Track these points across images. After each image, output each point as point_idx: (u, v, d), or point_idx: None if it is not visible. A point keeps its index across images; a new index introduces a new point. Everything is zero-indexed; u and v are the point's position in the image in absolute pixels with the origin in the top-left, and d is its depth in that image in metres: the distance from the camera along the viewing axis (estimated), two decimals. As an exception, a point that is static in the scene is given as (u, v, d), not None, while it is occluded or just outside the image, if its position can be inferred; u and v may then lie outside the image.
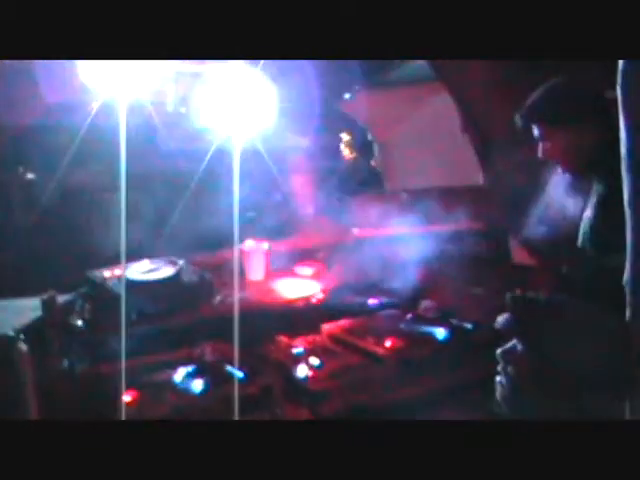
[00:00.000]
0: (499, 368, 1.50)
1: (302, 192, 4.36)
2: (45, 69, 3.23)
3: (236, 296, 2.69)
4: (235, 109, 2.92)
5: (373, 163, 4.86)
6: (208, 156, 3.17)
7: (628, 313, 1.33)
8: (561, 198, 2.62)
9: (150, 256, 3.24)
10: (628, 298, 1.33)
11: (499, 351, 1.50)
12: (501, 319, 1.49)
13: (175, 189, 3.99)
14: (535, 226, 2.91)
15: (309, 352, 3.01)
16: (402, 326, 3.26)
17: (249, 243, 3.63)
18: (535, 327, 1.44)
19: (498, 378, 1.51)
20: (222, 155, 3.53)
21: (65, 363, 2.69)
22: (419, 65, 3.99)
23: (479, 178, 3.59)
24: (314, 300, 3.43)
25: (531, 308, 1.45)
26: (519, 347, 1.47)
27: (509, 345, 1.49)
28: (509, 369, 1.47)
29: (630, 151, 1.28)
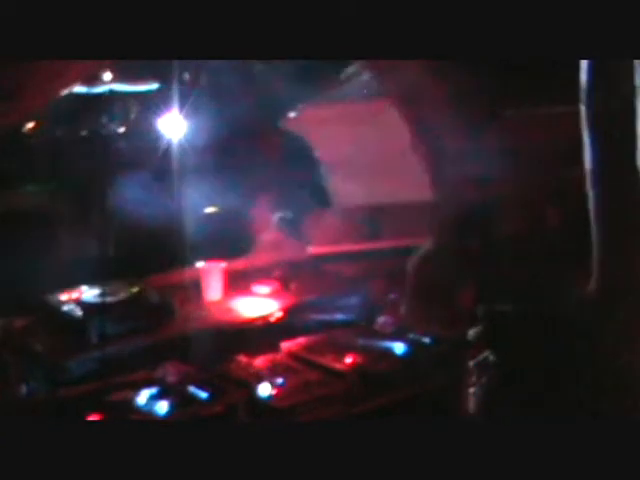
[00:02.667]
0: (473, 379, 1.54)
1: (256, 211, 4.37)
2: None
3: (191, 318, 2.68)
4: (173, 128, 2.94)
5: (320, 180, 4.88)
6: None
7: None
8: None
9: (108, 278, 3.21)
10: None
11: (472, 363, 1.55)
12: (473, 332, 1.54)
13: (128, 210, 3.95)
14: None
15: (270, 370, 3.01)
16: (360, 342, 3.29)
17: (206, 263, 3.63)
18: (506, 338, 1.49)
19: (472, 389, 1.55)
20: (166, 174, 3.53)
21: (24, 388, 2.64)
22: (366, 82, 4.06)
23: (429, 193, 3.64)
24: (273, 319, 3.44)
25: (502, 320, 1.50)
26: (491, 358, 1.51)
27: (482, 357, 1.54)
28: (483, 380, 1.52)
29: (596, 165, 1.35)
